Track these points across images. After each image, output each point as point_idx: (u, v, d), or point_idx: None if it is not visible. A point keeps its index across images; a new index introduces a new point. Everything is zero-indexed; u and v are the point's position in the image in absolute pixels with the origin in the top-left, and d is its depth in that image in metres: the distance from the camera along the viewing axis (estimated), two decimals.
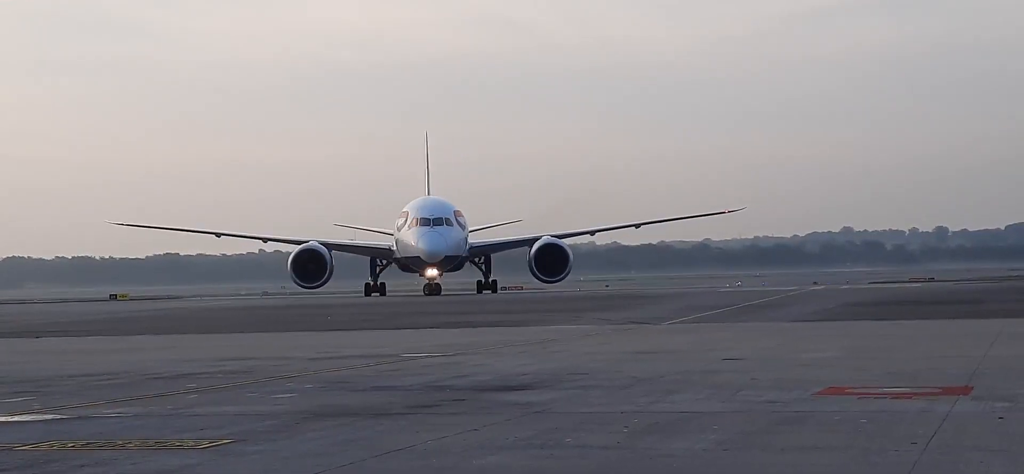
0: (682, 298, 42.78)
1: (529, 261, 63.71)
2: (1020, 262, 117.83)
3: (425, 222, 61.18)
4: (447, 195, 70.82)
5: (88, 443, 8.96)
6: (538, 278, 63.90)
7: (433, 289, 60.33)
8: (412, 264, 63.08)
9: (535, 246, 63.86)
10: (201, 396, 12.31)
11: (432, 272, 61.13)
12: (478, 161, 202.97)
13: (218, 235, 69.10)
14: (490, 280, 67.34)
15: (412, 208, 63.17)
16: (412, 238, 61.08)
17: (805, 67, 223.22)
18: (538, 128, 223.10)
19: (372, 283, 67.24)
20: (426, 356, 17.39)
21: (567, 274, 64.67)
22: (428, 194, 78.94)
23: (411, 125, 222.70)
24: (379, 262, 68.21)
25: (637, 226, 72.57)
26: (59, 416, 10.80)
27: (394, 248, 65.35)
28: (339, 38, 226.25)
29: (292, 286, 67.13)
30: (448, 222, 61.83)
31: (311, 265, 62.81)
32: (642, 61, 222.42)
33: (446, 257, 61.31)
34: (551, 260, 63.16)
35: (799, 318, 26.99)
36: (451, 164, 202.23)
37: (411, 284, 77.87)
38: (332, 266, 63.56)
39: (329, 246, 65.03)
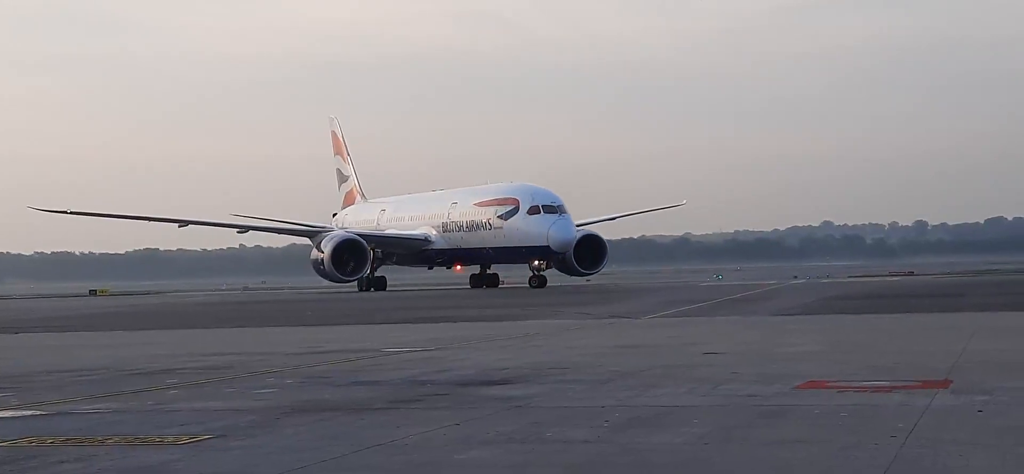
0: (663, 292, 42.84)
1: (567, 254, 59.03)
2: (999, 256, 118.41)
3: (550, 210, 56.67)
4: (430, 189, 69.23)
5: (67, 439, 8.92)
6: (576, 272, 59.97)
7: (541, 280, 56.51)
8: (516, 255, 58.01)
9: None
10: (181, 392, 12.28)
11: (539, 262, 56.76)
12: (463, 156, 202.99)
13: (180, 224, 64.75)
14: (490, 273, 63.44)
15: (522, 195, 57.72)
16: (534, 226, 56.16)
17: (786, 64, 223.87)
18: (523, 124, 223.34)
19: (369, 275, 61.54)
20: (407, 351, 17.38)
21: (603, 266, 61.13)
22: (356, 181, 74.14)
23: (399, 121, 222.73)
24: (376, 254, 62.59)
25: (613, 218, 71.56)
26: (38, 412, 10.76)
27: (431, 238, 61.51)
28: (324, 34, 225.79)
29: (315, 280, 62.69)
30: (566, 210, 57.51)
31: (346, 256, 58.76)
32: (624, 58, 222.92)
33: None
34: (589, 252, 59.47)
35: (779, 312, 27.06)
36: (435, 158, 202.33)
37: (406, 278, 75.62)
38: (371, 259, 59.76)
39: (366, 237, 60.98)
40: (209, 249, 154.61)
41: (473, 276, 64.09)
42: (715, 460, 7.57)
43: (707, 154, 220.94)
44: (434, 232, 62.05)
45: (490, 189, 60.63)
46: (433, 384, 12.41)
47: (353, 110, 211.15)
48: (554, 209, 56.55)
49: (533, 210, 56.61)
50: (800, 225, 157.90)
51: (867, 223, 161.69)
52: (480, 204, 59.64)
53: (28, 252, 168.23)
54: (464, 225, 60.28)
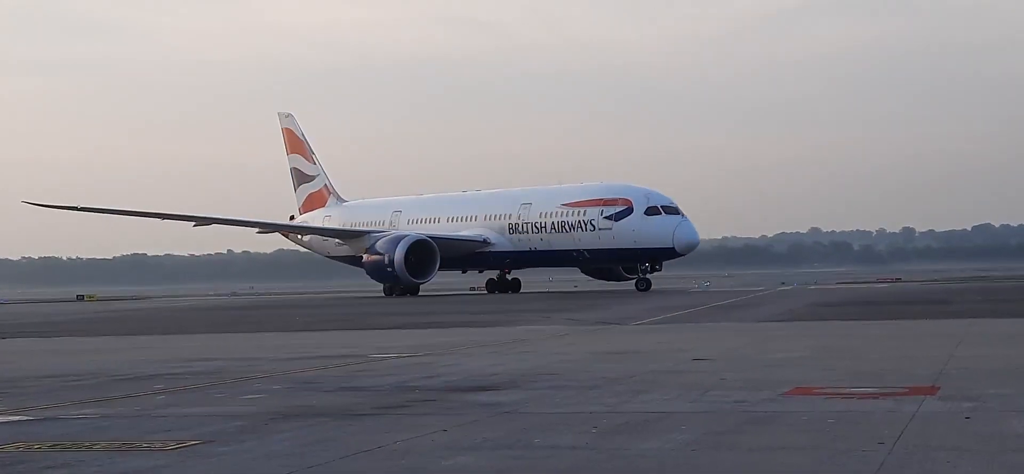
0: (651, 298, 42.85)
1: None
2: (986, 262, 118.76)
3: (670, 211, 53.93)
4: (417, 192, 67.43)
5: (55, 445, 8.90)
6: (622, 277, 58.52)
7: (647, 283, 53.77)
8: (624, 257, 55.55)
9: None
10: (169, 397, 12.25)
11: (648, 264, 54.27)
12: (450, 160, 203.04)
13: (197, 222, 61.81)
14: (510, 278, 61.14)
15: (634, 196, 54.70)
16: (656, 228, 53.60)
17: (773, 69, 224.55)
18: (511, 129, 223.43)
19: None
20: (396, 356, 17.36)
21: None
22: (327, 181, 69.92)
23: (385, 124, 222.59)
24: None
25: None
26: (25, 418, 10.73)
27: (491, 239, 58.40)
28: (311, 39, 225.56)
29: (368, 284, 59.36)
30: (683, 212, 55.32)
31: (412, 257, 55.70)
32: (610, 62, 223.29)
33: None
34: None
35: (767, 318, 27.09)
36: (420, 161, 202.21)
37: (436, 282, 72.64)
38: (439, 261, 56.63)
39: (436, 239, 57.71)
40: (197, 254, 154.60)
41: (490, 281, 62.16)
42: (703, 466, 7.58)
43: (696, 160, 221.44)
44: (494, 234, 59.04)
45: (580, 189, 57.39)
46: (421, 390, 12.40)
47: (337, 114, 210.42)
48: (674, 210, 54.35)
49: (652, 211, 54.06)
50: (788, 231, 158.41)
51: (855, 229, 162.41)
52: (574, 204, 56.28)
53: (15, 257, 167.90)
54: (548, 226, 57.11)
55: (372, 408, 10.82)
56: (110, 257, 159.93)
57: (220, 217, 64.75)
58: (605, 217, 55.04)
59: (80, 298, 73.71)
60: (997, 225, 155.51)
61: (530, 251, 58.31)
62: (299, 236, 68.82)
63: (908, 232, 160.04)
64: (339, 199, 70.23)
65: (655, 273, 55.19)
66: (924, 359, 14.48)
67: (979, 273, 78.61)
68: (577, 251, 56.60)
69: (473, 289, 63.57)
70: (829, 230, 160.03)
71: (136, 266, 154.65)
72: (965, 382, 11.74)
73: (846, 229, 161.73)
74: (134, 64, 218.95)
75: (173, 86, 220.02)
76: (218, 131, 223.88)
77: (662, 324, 25.82)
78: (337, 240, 65.40)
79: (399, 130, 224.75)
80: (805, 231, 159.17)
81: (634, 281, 57.01)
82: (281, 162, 72.83)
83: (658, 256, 54.39)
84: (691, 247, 54.93)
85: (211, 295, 77.39)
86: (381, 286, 59.24)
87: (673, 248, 53.78)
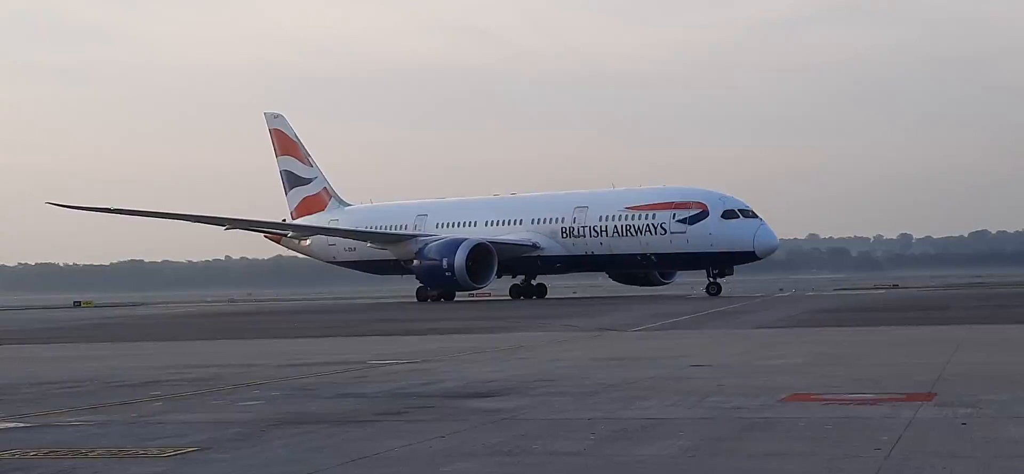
0: (649, 304, 42.83)
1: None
2: (983, 269, 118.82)
3: (748, 214, 52.61)
4: (423, 198, 65.86)
5: (50, 452, 8.89)
6: (658, 282, 58.45)
7: (718, 287, 52.41)
8: (694, 261, 54.22)
9: None
10: (166, 404, 12.24)
11: (718, 268, 53.12)
12: (448, 167, 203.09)
13: (228, 226, 60.47)
14: (535, 283, 60.16)
15: (709, 200, 53.41)
16: (736, 231, 52.21)
17: (772, 77, 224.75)
18: (508, 135, 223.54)
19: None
20: (394, 363, 17.35)
21: (676, 277, 58.52)
22: (327, 184, 67.50)
23: (380, 131, 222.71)
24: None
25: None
26: (21, 424, 10.72)
27: (541, 244, 56.71)
28: (307, 45, 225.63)
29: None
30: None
31: (472, 262, 54.29)
32: (609, 70, 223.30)
33: None
34: None
35: (765, 325, 27.09)
36: (417, 169, 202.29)
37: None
38: (496, 266, 55.42)
39: (496, 244, 55.74)
40: (194, 260, 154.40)
41: (513, 287, 60.88)
42: (701, 472, 7.58)
43: (694, 167, 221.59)
44: (544, 238, 57.32)
45: (643, 193, 55.80)
46: (419, 396, 12.39)
47: (335, 118, 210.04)
48: (751, 214, 53.13)
49: (729, 214, 52.76)
50: (786, 237, 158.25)
51: (852, 236, 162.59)
52: (641, 208, 54.68)
53: (11, 263, 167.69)
54: (609, 230, 55.27)
55: (370, 415, 10.81)
56: (107, 263, 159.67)
57: (249, 219, 63.43)
58: (678, 220, 53.48)
59: (77, 304, 73.65)
60: (994, 232, 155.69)
61: (586, 255, 56.60)
62: (299, 240, 67.41)
63: (905, 239, 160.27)
64: (342, 203, 67.99)
65: (725, 277, 53.83)
66: (921, 365, 14.49)
67: (976, 279, 78.63)
68: (643, 255, 55.05)
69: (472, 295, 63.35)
70: (827, 236, 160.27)
71: (133, 272, 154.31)
72: (962, 388, 11.75)
73: (844, 236, 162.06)
74: (127, 68, 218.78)
75: (169, 91, 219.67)
76: (216, 136, 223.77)
77: (660, 330, 25.82)
78: (347, 244, 63.55)
79: (397, 134, 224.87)
80: (803, 237, 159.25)
81: (667, 286, 56.60)
82: (271, 165, 70.34)
83: (735, 260, 53.39)
84: (771, 250, 53.90)
85: (209, 301, 77.30)
86: (415, 289, 57.78)
87: (753, 251, 52.66)
